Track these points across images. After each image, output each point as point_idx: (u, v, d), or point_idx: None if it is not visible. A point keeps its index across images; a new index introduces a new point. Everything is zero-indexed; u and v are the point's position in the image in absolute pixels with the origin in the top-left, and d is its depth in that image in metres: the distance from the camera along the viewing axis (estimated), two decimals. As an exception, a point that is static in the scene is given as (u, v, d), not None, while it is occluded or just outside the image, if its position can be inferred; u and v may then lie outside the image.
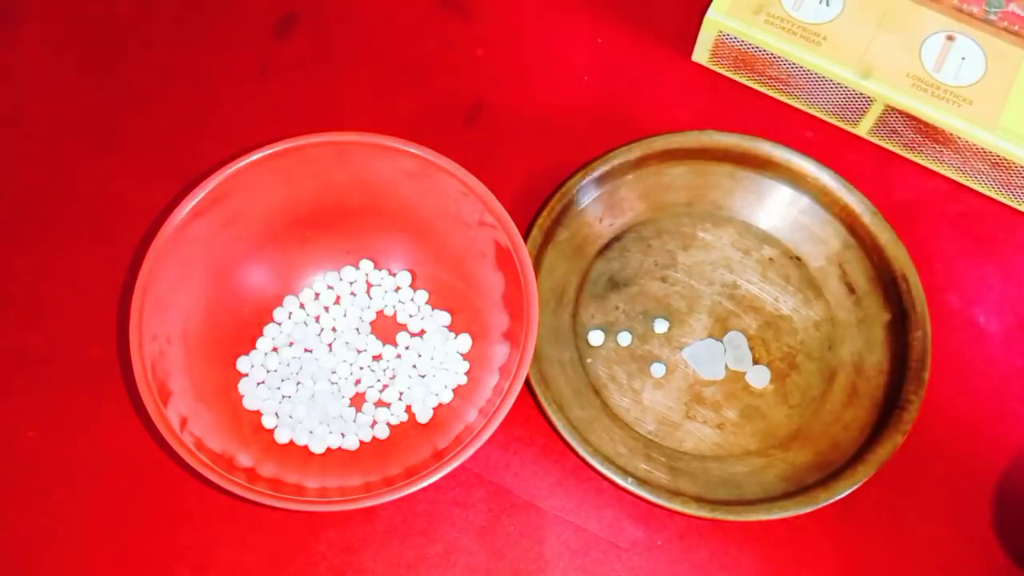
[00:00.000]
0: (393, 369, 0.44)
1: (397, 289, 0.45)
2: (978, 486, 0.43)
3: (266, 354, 0.43)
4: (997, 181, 0.47)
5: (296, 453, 0.41)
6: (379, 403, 0.43)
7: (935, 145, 0.48)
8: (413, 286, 0.45)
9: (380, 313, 0.45)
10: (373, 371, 0.44)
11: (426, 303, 0.45)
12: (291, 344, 0.44)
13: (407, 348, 0.44)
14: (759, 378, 0.44)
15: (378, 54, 0.51)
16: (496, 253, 0.41)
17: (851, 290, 0.45)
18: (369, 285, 0.45)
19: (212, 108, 0.50)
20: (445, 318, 0.44)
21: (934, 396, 0.43)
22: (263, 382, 0.43)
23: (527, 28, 0.52)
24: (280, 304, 0.44)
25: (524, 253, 0.39)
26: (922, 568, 0.42)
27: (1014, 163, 0.46)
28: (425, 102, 0.50)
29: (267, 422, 0.42)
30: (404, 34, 0.52)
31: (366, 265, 0.45)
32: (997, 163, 0.46)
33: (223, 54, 0.51)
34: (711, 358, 0.44)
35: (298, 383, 0.43)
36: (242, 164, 0.40)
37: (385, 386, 0.43)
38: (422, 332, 0.44)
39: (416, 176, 0.41)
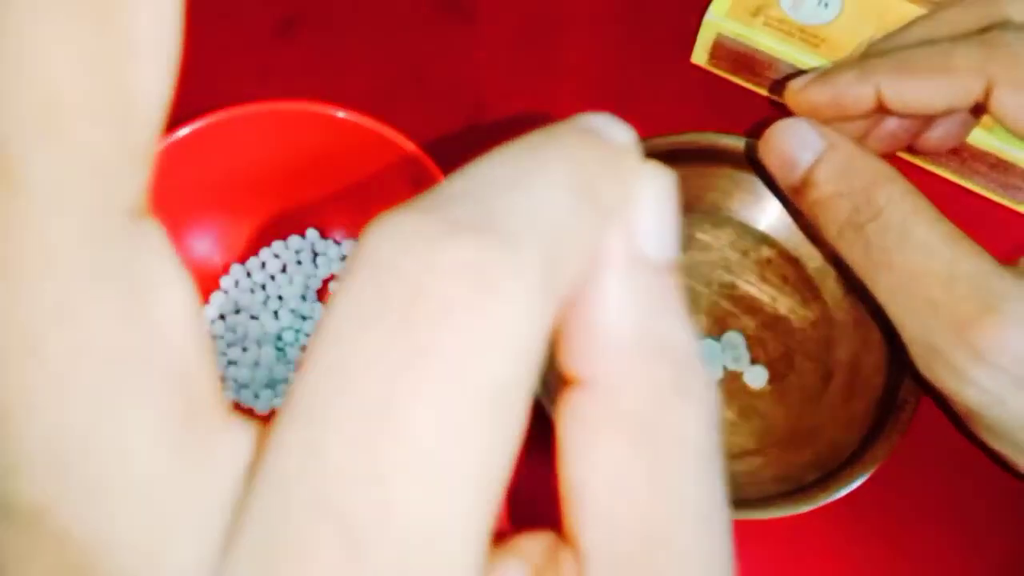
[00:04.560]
0: None
1: (343, 258, 0.46)
2: (978, 486, 0.43)
3: (212, 321, 0.44)
4: (997, 181, 0.47)
5: (242, 414, 0.41)
6: None
7: (934, 146, 0.48)
8: None
9: (326, 281, 0.46)
10: None
11: None
12: (238, 312, 0.44)
13: None
14: (757, 378, 0.44)
15: (378, 55, 0.52)
16: None
17: (848, 290, 0.45)
18: (315, 254, 0.46)
19: (212, 109, 0.50)
20: None
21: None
22: None
23: (527, 28, 0.52)
24: (227, 272, 0.45)
25: None
26: (922, 568, 0.42)
27: (1013, 163, 0.46)
28: (425, 103, 0.50)
29: None
30: (404, 35, 0.52)
31: (312, 234, 0.46)
32: (996, 164, 0.46)
33: (223, 55, 0.51)
34: (709, 358, 0.44)
35: (244, 348, 0.43)
36: (181, 135, 0.40)
37: None
38: None
39: (361, 147, 0.42)
